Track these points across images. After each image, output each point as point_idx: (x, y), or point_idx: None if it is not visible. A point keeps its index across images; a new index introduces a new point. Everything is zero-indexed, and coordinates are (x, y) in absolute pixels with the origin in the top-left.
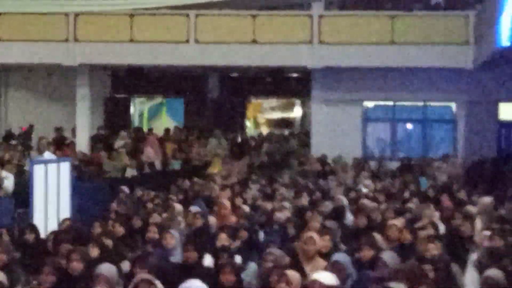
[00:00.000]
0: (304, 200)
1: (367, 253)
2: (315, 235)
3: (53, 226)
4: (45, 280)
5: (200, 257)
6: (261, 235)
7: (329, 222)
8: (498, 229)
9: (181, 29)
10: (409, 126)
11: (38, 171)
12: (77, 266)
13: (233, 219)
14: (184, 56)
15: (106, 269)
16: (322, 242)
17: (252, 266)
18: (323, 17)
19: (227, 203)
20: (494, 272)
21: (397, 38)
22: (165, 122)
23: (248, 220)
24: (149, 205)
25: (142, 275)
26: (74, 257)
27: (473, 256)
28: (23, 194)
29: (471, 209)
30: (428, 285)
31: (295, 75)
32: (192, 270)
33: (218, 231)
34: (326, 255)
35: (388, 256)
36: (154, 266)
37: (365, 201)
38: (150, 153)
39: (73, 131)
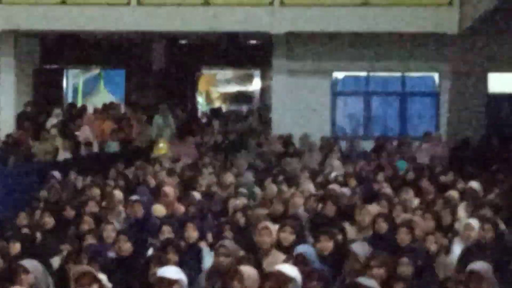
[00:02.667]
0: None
1: (325, 245)
2: (271, 226)
3: None
4: None
5: (139, 251)
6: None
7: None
8: (488, 218)
9: None
10: (386, 100)
11: None
12: None
13: (181, 208)
14: (125, 20)
15: (29, 264)
16: (281, 233)
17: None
18: None
19: (170, 190)
20: (480, 266)
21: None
22: (103, 97)
23: (200, 208)
24: (85, 193)
25: (83, 267)
26: None
27: (456, 247)
28: None
29: (454, 194)
30: (405, 281)
31: (253, 42)
32: (127, 263)
33: (161, 223)
34: (289, 248)
35: (359, 247)
36: (89, 261)
37: (335, 187)
38: (87, 133)
39: None
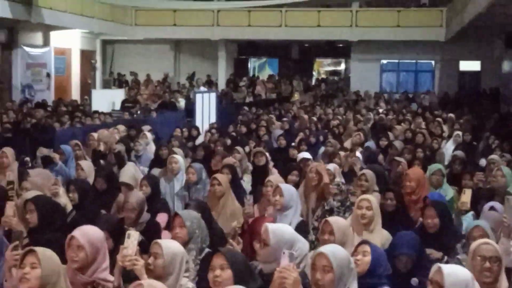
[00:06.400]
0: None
1: (383, 143)
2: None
3: (206, 127)
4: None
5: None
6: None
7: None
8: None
9: (277, 18)
10: (407, 74)
11: (198, 97)
12: (220, 150)
13: (308, 125)
14: (279, 34)
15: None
16: (353, 138)
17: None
18: (358, 11)
19: (304, 116)
20: (459, 153)
21: (401, 23)
22: (267, 72)
23: (315, 124)
24: (259, 117)
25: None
26: (219, 144)
27: (448, 144)
28: (189, 110)
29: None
30: (419, 161)
31: (341, 45)
32: None
33: (297, 131)
34: (361, 145)
35: (397, 143)
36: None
37: (381, 115)
38: (259, 89)
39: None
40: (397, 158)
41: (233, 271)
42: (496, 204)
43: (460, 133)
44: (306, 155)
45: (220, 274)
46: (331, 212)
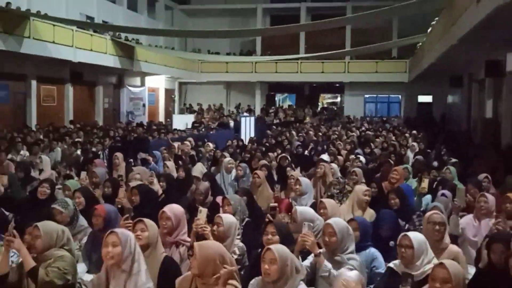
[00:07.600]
0: (341, 131)
1: (367, 150)
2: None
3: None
4: (242, 158)
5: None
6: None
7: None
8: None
9: (295, 67)
10: (382, 104)
11: (243, 120)
12: (258, 155)
13: (315, 138)
14: (296, 78)
15: (271, 154)
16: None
17: None
18: (349, 62)
19: (312, 132)
20: (419, 157)
21: (378, 70)
22: (288, 103)
23: (321, 138)
24: (283, 132)
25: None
26: (257, 151)
27: (409, 153)
28: (237, 128)
29: (408, 135)
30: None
31: (337, 84)
32: None
33: (308, 143)
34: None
35: (377, 151)
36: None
37: (367, 132)
38: (282, 114)
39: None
40: (389, 160)
41: (279, 237)
42: (446, 192)
43: (415, 144)
44: (325, 157)
45: (271, 238)
46: (332, 197)
